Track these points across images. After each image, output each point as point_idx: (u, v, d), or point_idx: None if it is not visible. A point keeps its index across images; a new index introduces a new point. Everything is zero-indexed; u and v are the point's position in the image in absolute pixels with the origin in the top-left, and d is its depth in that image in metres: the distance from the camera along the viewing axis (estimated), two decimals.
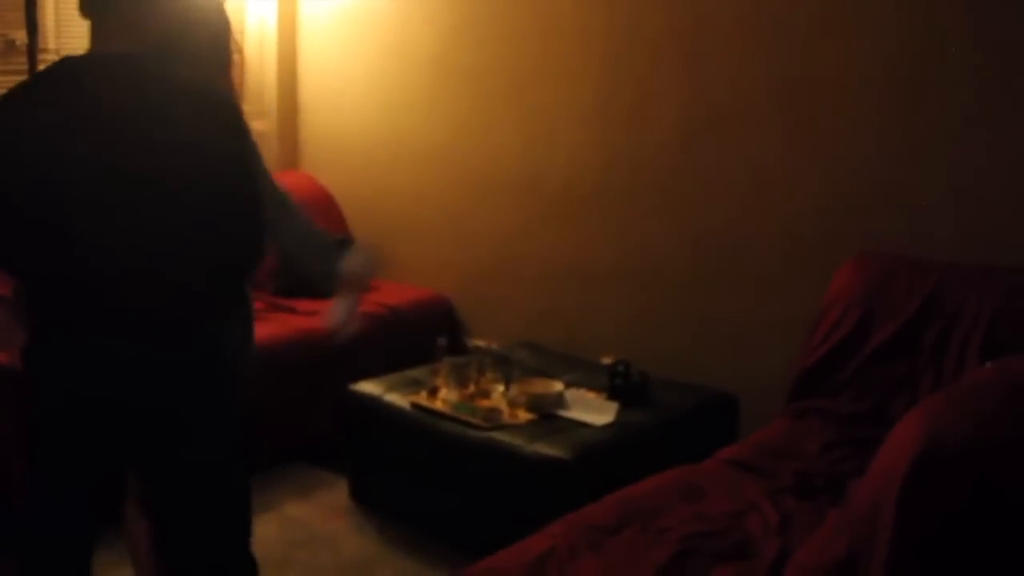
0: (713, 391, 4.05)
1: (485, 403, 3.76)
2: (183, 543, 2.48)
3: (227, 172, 2.29)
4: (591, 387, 3.96)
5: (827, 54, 3.91)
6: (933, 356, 3.43)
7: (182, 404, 2.35)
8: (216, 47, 2.61)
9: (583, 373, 4.10)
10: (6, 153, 2.23)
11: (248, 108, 3.16)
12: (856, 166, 3.88)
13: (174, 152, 2.21)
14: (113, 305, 2.25)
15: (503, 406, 3.74)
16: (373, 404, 3.95)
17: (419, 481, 3.84)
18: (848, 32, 3.86)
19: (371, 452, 4.04)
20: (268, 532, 3.76)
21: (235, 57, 2.70)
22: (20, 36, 4.63)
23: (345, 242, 4.15)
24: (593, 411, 3.74)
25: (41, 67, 4.65)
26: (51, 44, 4.76)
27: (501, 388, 3.85)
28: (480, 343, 4.90)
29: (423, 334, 4.70)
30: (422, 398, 3.85)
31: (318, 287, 3.19)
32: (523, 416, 3.70)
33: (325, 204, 5.49)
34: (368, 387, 4.02)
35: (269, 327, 4.18)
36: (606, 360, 4.02)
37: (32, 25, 4.66)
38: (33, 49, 4.66)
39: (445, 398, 3.82)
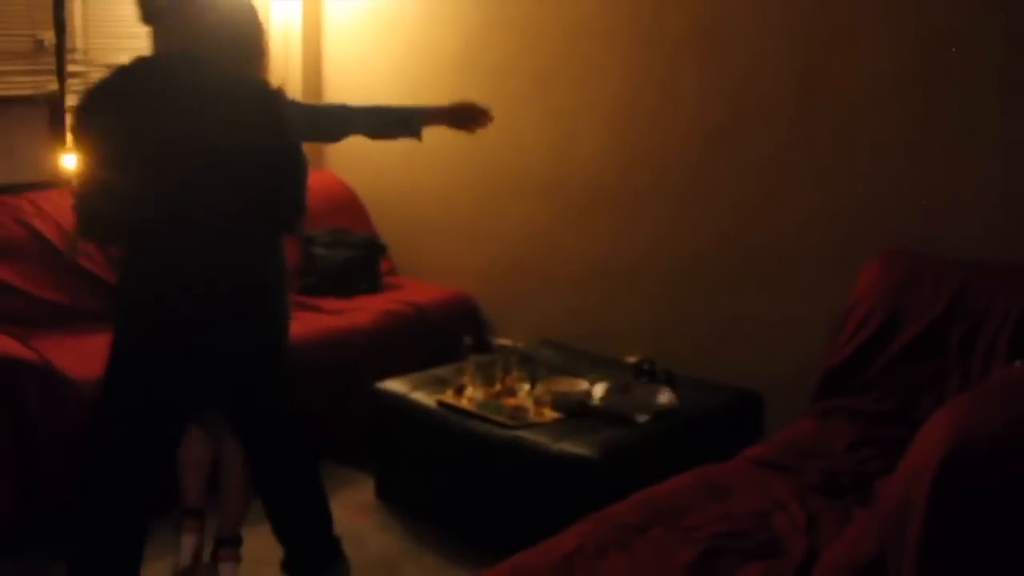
0: (738, 389, 4.05)
1: (511, 402, 3.77)
2: (250, 426, 3.17)
3: (272, 144, 2.87)
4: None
5: (849, 52, 3.90)
6: (960, 355, 3.41)
7: (241, 318, 2.96)
8: (251, 45, 3.07)
9: (608, 371, 4.10)
10: (100, 135, 2.81)
11: None
12: (880, 163, 3.86)
13: (227, 130, 2.79)
14: (184, 251, 2.84)
15: (529, 404, 3.75)
16: (399, 403, 3.96)
17: (445, 479, 3.86)
18: (870, 30, 3.84)
19: (397, 450, 4.06)
20: None
21: (265, 54, 3.18)
22: (48, 36, 4.68)
23: (375, 243, 4.40)
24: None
25: (69, 67, 4.72)
26: (79, 44, 4.80)
27: (527, 387, 3.86)
28: (505, 342, 4.90)
29: (448, 333, 4.71)
30: (448, 396, 3.86)
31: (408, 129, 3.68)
32: (549, 414, 3.71)
33: (350, 203, 5.52)
34: (394, 386, 4.04)
35: (294, 326, 4.19)
36: (631, 359, 4.02)
37: (60, 26, 4.72)
38: (61, 49, 4.72)
39: (471, 396, 3.83)
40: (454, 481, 3.82)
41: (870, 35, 3.85)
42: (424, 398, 3.91)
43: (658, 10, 4.40)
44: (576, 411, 3.71)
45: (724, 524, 2.78)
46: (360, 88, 5.56)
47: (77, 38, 4.80)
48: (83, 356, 3.87)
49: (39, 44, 4.66)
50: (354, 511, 4.01)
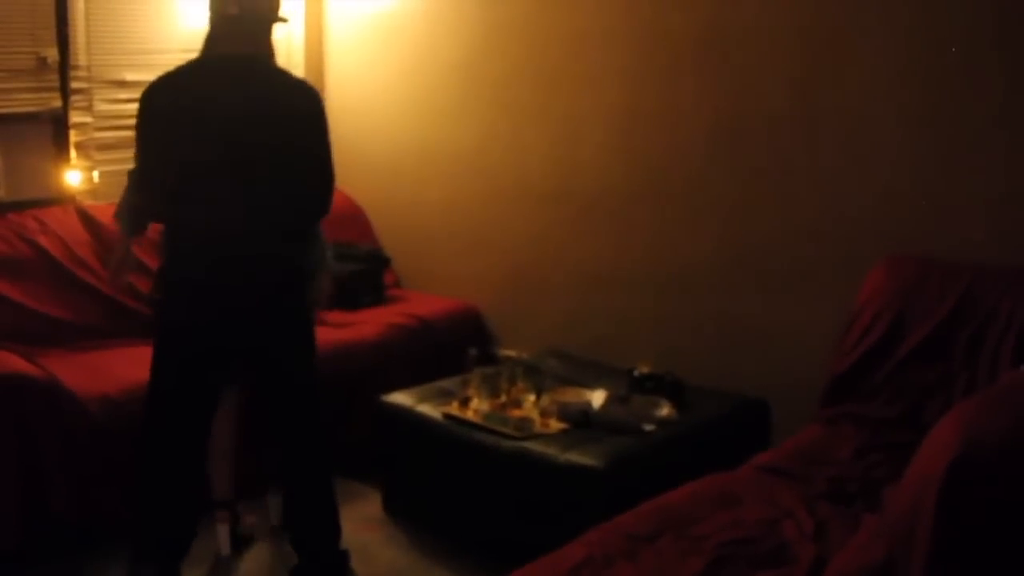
0: (745, 397, 4.04)
1: (517, 413, 3.76)
2: (275, 405, 3.44)
3: (310, 144, 3.21)
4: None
5: (850, 57, 3.90)
6: (967, 359, 3.41)
7: (270, 307, 3.23)
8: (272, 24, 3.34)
9: (613, 382, 4.09)
10: (162, 124, 3.15)
11: None
12: (884, 168, 3.86)
13: (271, 128, 3.11)
14: (223, 240, 3.14)
15: (535, 416, 3.75)
16: (405, 415, 3.96)
17: (452, 492, 3.85)
18: (871, 34, 3.84)
19: (403, 463, 4.05)
20: None
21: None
22: (52, 54, 4.68)
23: (379, 256, 4.44)
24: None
25: (73, 84, 4.73)
26: (82, 61, 4.80)
27: (532, 398, 3.85)
28: (510, 353, 4.90)
29: (453, 345, 4.71)
30: (454, 408, 3.86)
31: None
32: (555, 425, 3.71)
33: (354, 216, 5.52)
34: (399, 398, 4.03)
35: None
36: (644, 368, 4.00)
37: (63, 43, 4.73)
38: (64, 66, 4.73)
39: (477, 408, 3.82)
40: (461, 493, 3.81)
41: (870, 40, 3.85)
42: (430, 410, 3.90)
43: (659, 19, 4.40)
44: (581, 421, 3.71)
45: (732, 532, 2.78)
46: (363, 98, 5.58)
47: (80, 55, 4.80)
48: (89, 373, 3.88)
49: (42, 61, 4.67)
50: (361, 525, 4.00)
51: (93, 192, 4.89)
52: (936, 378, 3.45)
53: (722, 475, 3.20)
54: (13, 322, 4.17)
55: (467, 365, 4.12)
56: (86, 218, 4.61)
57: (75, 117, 4.81)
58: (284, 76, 3.26)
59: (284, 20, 3.34)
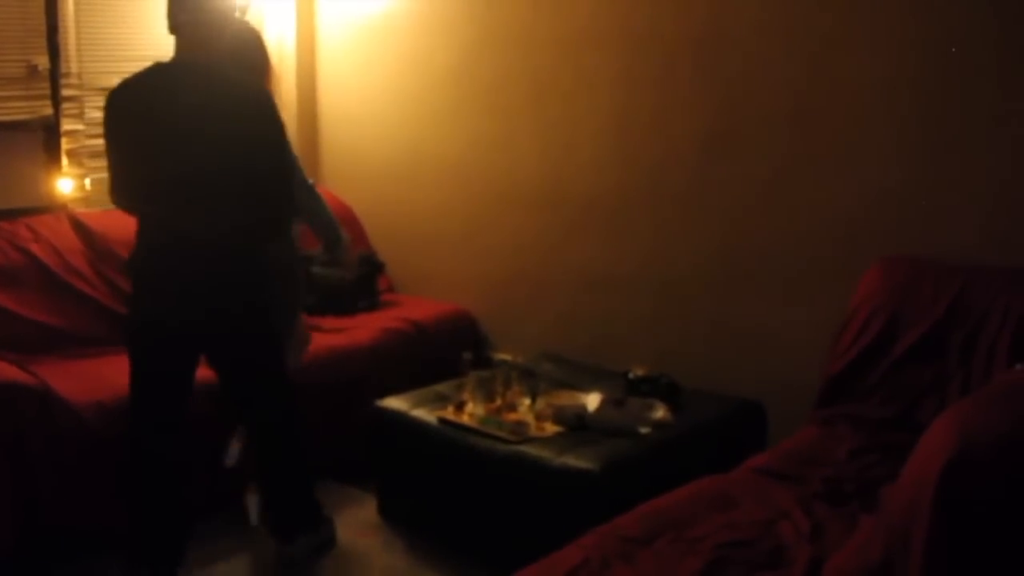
0: (740, 399, 4.04)
1: (512, 417, 3.75)
2: (236, 384, 3.59)
3: (266, 146, 3.33)
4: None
5: (845, 59, 3.90)
6: (961, 359, 3.41)
7: (227, 298, 3.38)
8: (256, 59, 3.69)
9: (608, 384, 4.08)
10: (121, 127, 3.35)
11: None
12: (877, 170, 3.86)
13: (228, 130, 3.23)
14: (186, 234, 3.28)
15: (530, 419, 3.74)
16: (400, 420, 3.95)
17: (448, 496, 3.84)
18: (866, 37, 3.85)
19: (399, 468, 4.04)
20: (300, 556, 3.76)
21: (269, 69, 3.83)
22: (42, 61, 4.68)
23: (372, 261, 4.57)
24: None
25: (64, 92, 4.73)
26: (73, 68, 4.80)
27: (527, 401, 3.85)
28: (505, 356, 4.89)
29: (447, 349, 4.71)
30: (449, 413, 3.85)
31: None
32: (550, 429, 3.70)
33: (346, 220, 5.50)
34: (394, 403, 4.02)
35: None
36: (639, 371, 4.01)
37: (54, 50, 4.72)
38: (55, 74, 4.73)
39: (472, 412, 3.81)
40: (457, 498, 3.81)
41: (865, 42, 3.86)
42: (425, 415, 3.89)
43: (652, 21, 4.40)
44: (577, 425, 3.70)
45: (729, 534, 2.77)
46: (355, 103, 5.58)
47: (71, 62, 4.80)
48: (82, 380, 3.87)
49: (33, 69, 4.66)
50: (357, 530, 4.00)
51: (85, 200, 4.89)
52: (931, 378, 3.45)
53: (718, 477, 3.20)
54: (5, 330, 4.16)
55: (462, 369, 4.11)
56: (78, 226, 4.60)
57: (66, 125, 4.81)
58: (232, 80, 3.35)
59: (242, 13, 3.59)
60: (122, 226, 4.63)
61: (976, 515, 1.80)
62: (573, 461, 3.43)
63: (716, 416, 3.92)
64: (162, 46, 4.95)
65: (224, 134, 3.23)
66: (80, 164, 4.88)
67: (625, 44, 4.51)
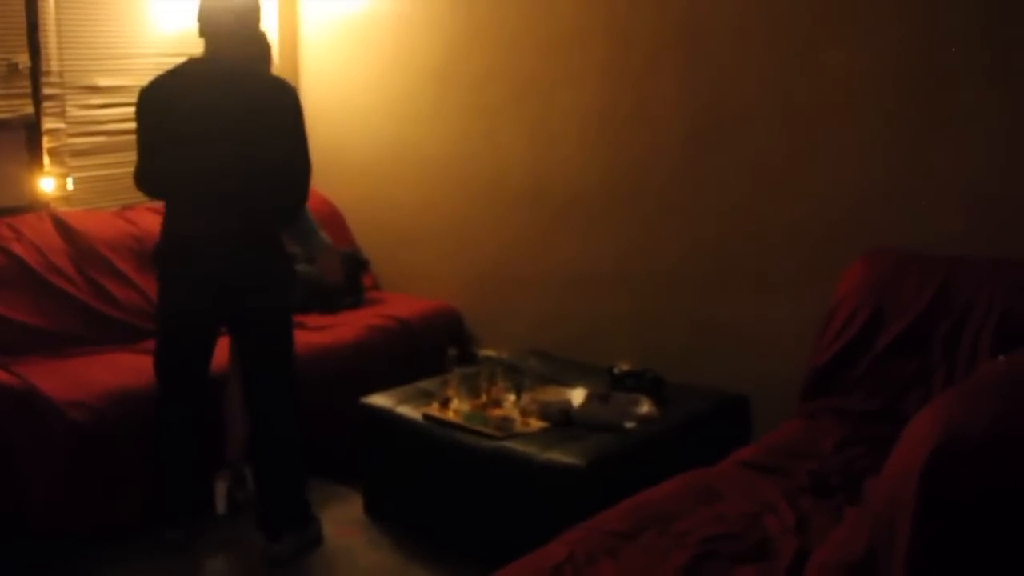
0: (725, 393, 4.04)
1: (497, 412, 3.75)
2: (253, 368, 3.77)
3: (289, 137, 3.59)
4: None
5: (828, 52, 3.91)
6: (945, 351, 3.42)
7: (249, 278, 3.62)
8: (263, 48, 3.93)
9: (593, 379, 4.08)
10: (156, 120, 3.61)
11: None
12: (861, 163, 3.88)
13: (255, 123, 3.52)
14: (211, 218, 3.55)
15: (515, 415, 3.74)
16: (385, 417, 3.95)
17: (433, 493, 3.84)
18: (849, 30, 3.86)
19: (384, 465, 4.04)
20: (287, 554, 3.77)
21: (271, 56, 4.04)
22: (23, 60, 4.65)
23: (357, 258, 4.59)
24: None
25: (45, 90, 4.71)
26: (54, 67, 4.77)
27: (513, 397, 3.85)
28: (490, 352, 4.89)
29: (432, 345, 4.71)
30: (434, 409, 3.85)
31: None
32: (536, 424, 3.70)
33: (331, 218, 5.50)
34: (379, 400, 4.02)
35: None
36: (624, 366, 4.01)
37: (35, 49, 4.70)
38: (36, 72, 4.70)
39: (457, 409, 3.81)
40: (443, 494, 3.80)
41: (847, 36, 3.87)
42: (410, 412, 3.89)
43: (634, 17, 4.41)
44: (562, 420, 3.70)
45: (714, 528, 2.78)
46: (338, 100, 5.56)
47: (52, 61, 4.77)
48: (66, 380, 3.85)
49: (14, 67, 4.63)
50: (343, 527, 3.99)
51: (68, 199, 4.86)
52: (915, 370, 3.45)
53: (703, 471, 3.20)
54: None
55: (447, 366, 4.11)
56: (61, 225, 4.58)
57: (48, 123, 4.78)
58: (263, 78, 3.69)
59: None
60: (105, 225, 4.64)
61: (960, 506, 1.80)
62: (558, 456, 3.43)
63: (701, 410, 3.92)
64: (144, 43, 4.99)
65: (247, 126, 3.51)
66: (62, 163, 4.86)
67: (607, 40, 4.51)
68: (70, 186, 4.88)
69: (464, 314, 5.16)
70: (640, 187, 4.49)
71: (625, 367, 4.02)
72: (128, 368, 4.01)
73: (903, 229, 3.79)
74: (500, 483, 3.58)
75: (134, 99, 3.69)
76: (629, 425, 3.65)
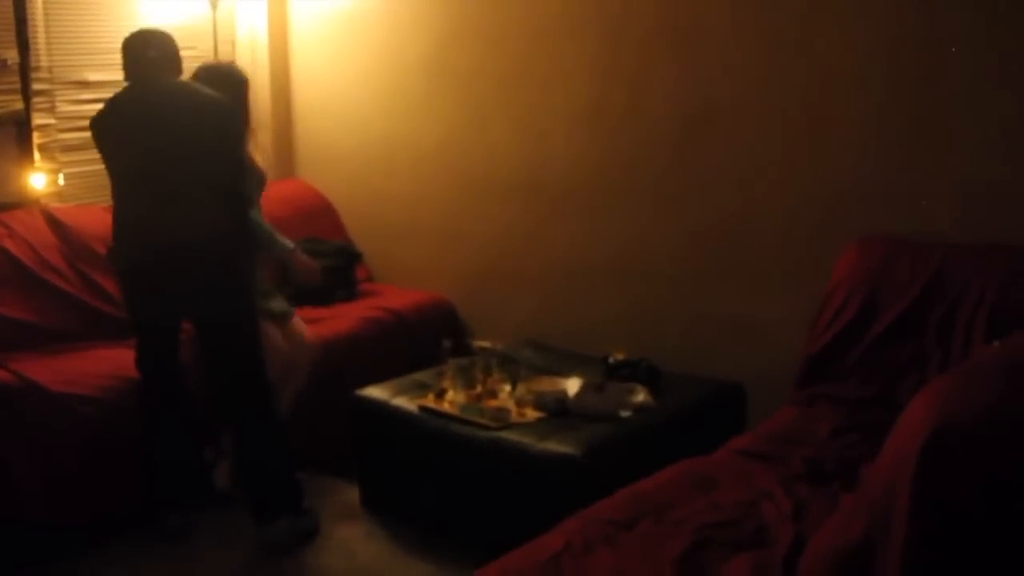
0: (720, 382, 4.05)
1: (493, 403, 3.75)
2: (213, 360, 3.85)
3: (222, 148, 3.76)
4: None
5: (820, 42, 3.91)
6: (939, 337, 3.43)
7: (195, 272, 3.70)
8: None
9: (588, 369, 4.08)
10: (110, 133, 3.80)
11: None
12: (853, 153, 3.88)
13: (189, 134, 3.69)
14: (155, 217, 3.69)
15: (511, 405, 3.74)
16: (380, 409, 3.94)
17: (430, 484, 3.83)
18: (841, 19, 3.85)
19: (380, 457, 4.04)
20: (279, 540, 3.77)
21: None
22: (12, 55, 4.63)
23: (350, 251, 4.58)
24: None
25: (34, 86, 4.70)
26: (43, 62, 4.75)
27: (508, 388, 3.85)
28: (484, 344, 4.89)
29: (427, 337, 4.70)
30: (429, 401, 3.85)
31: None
32: (531, 415, 3.70)
33: (323, 212, 5.50)
34: (375, 392, 4.02)
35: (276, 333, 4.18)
36: (619, 356, 4.01)
37: (24, 44, 4.67)
38: (25, 68, 4.68)
39: (452, 400, 3.81)
40: (439, 485, 3.80)
41: (839, 24, 3.86)
42: (406, 403, 3.89)
43: (626, 8, 4.40)
44: (557, 410, 3.70)
45: (711, 516, 2.78)
46: (329, 94, 5.55)
47: (41, 56, 4.75)
48: (59, 376, 3.85)
49: (2, 63, 4.61)
50: (340, 519, 3.99)
51: (59, 195, 4.85)
52: (909, 356, 3.46)
53: (700, 459, 3.20)
54: None
55: (442, 357, 4.10)
56: (52, 221, 4.57)
57: (38, 119, 4.76)
58: (196, 98, 3.80)
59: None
60: (97, 221, 4.63)
61: (955, 492, 1.80)
62: (555, 446, 3.43)
63: (696, 399, 3.93)
64: None
65: (183, 145, 3.68)
66: (53, 159, 4.84)
67: (599, 32, 4.50)
68: (61, 182, 4.87)
69: (458, 306, 5.15)
70: (633, 177, 4.48)
71: (620, 357, 4.02)
72: (121, 363, 4.00)
73: (896, 216, 3.79)
74: (496, 473, 3.58)
75: None
76: (625, 414, 3.65)
